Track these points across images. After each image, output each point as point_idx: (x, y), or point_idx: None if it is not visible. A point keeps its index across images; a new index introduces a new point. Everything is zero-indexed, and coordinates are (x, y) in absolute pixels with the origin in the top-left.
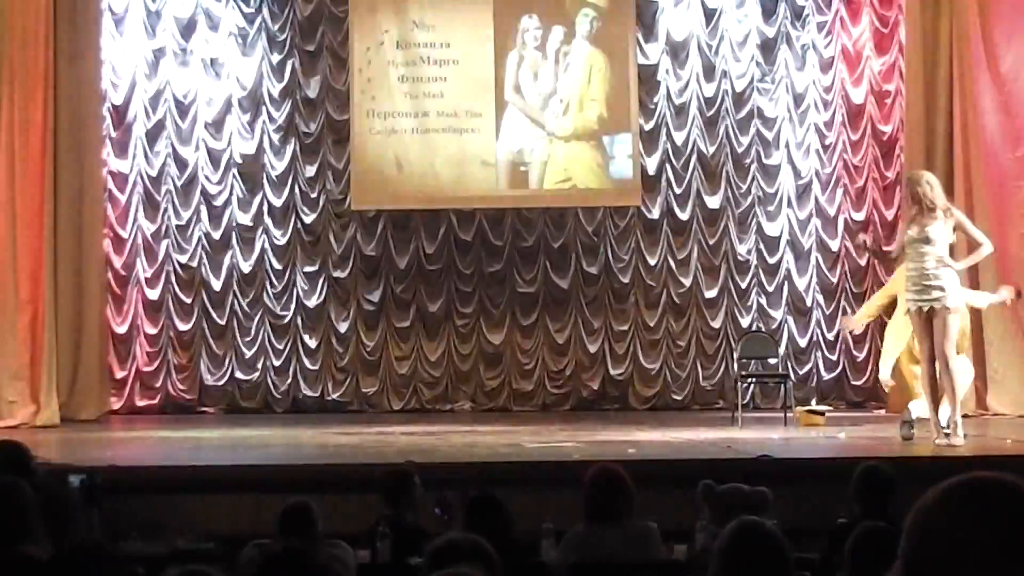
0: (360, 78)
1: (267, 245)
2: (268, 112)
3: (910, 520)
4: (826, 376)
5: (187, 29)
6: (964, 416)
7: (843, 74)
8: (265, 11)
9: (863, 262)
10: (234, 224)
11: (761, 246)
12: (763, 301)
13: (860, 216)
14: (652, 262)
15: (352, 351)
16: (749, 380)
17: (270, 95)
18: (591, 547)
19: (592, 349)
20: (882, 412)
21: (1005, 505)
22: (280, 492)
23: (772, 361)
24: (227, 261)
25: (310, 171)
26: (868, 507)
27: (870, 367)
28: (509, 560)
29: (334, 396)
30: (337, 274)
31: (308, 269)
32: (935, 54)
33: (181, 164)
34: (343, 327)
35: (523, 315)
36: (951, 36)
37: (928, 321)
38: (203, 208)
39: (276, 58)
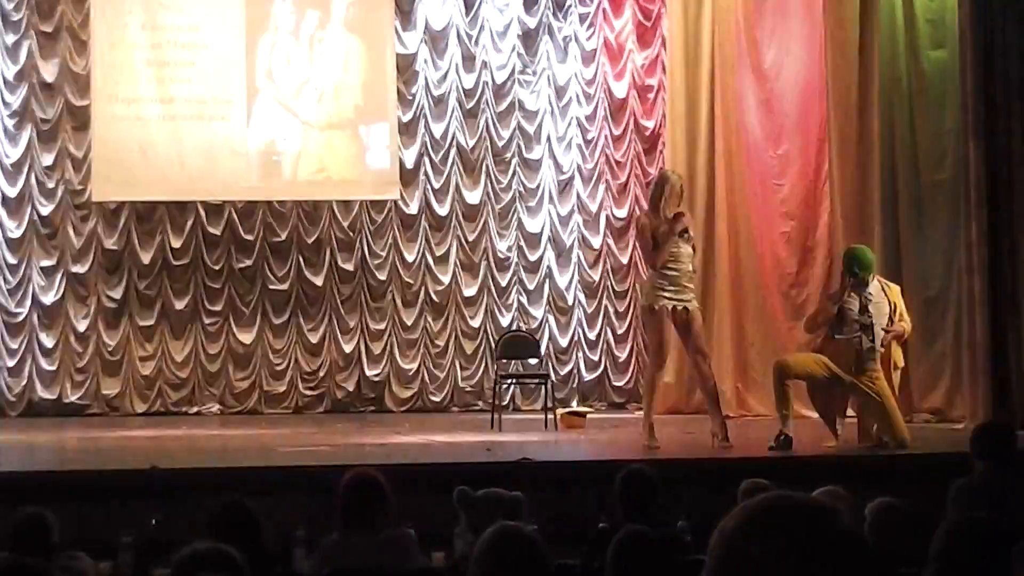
0: (102, 62)
1: (1, 238)
2: (2, 97)
3: (714, 543)
4: (587, 377)
5: None
6: (727, 417)
7: (605, 67)
8: None
9: (625, 260)
10: None
11: (522, 243)
12: (524, 300)
13: (622, 213)
14: (410, 258)
15: (92, 350)
16: (509, 381)
17: (4, 78)
18: (346, 556)
19: (347, 349)
20: (641, 414)
21: (809, 526)
22: (13, 501)
23: (533, 361)
24: None
25: (47, 159)
26: (631, 511)
27: (631, 368)
28: (259, 570)
29: (73, 398)
30: (76, 269)
31: (45, 263)
32: (697, 49)
33: None
34: (82, 325)
35: (275, 313)
36: (713, 31)
37: (683, 321)
38: None
39: (11, 39)
